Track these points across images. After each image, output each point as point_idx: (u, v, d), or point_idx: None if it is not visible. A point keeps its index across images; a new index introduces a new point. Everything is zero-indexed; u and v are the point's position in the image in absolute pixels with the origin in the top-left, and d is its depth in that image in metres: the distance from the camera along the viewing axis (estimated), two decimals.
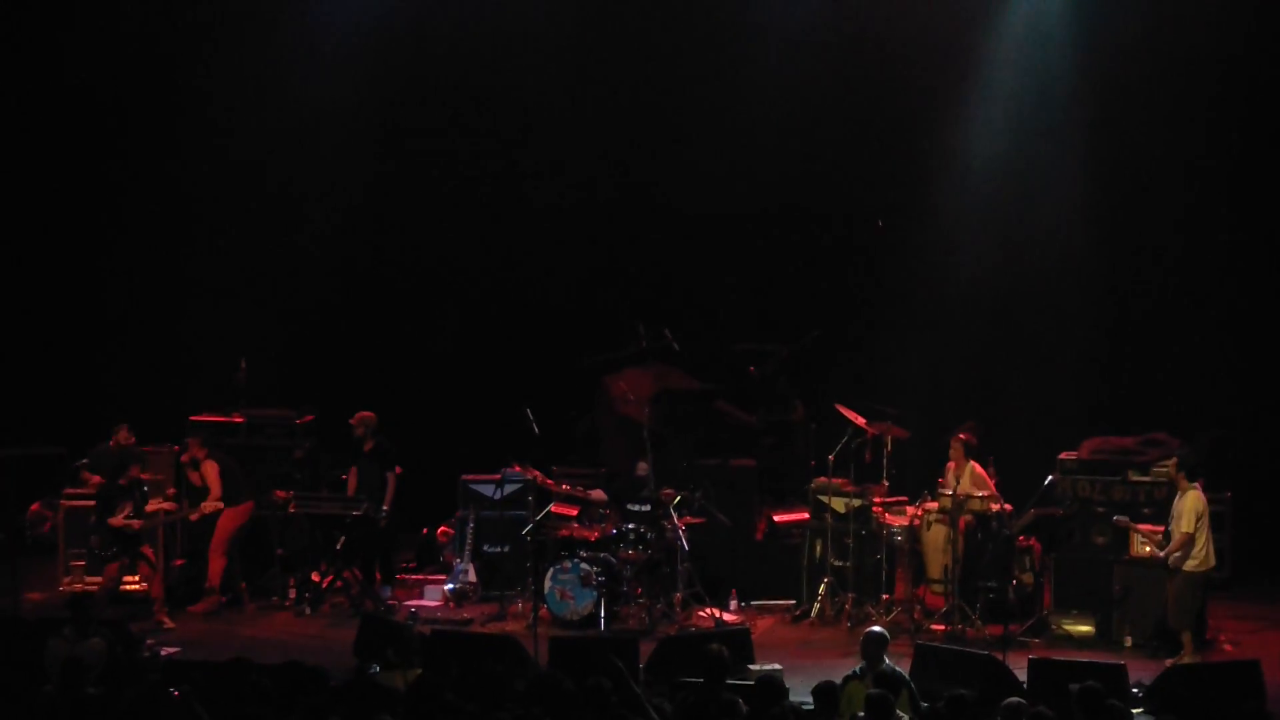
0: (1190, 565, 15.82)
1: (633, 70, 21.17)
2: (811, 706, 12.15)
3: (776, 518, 18.83)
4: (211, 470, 17.66)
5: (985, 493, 17.03)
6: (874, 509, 17.60)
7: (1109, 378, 19.98)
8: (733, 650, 13.46)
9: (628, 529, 17.29)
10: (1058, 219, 20.03)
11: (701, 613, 17.27)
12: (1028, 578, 17.16)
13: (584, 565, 17.05)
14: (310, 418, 19.13)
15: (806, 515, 18.15)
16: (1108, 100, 19.81)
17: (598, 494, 18.43)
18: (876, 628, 13.70)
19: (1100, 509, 17.16)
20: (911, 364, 19.79)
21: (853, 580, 17.48)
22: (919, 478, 17.70)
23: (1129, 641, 16.49)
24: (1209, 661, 15.65)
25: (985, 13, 20.20)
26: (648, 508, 17.46)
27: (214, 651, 15.25)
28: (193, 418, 18.53)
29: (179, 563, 18.36)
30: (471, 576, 18.12)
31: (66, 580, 17.97)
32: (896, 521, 17.57)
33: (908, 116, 20.37)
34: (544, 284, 21.59)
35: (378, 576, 18.11)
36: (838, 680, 12.64)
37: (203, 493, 17.68)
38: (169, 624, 17.00)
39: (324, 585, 18.07)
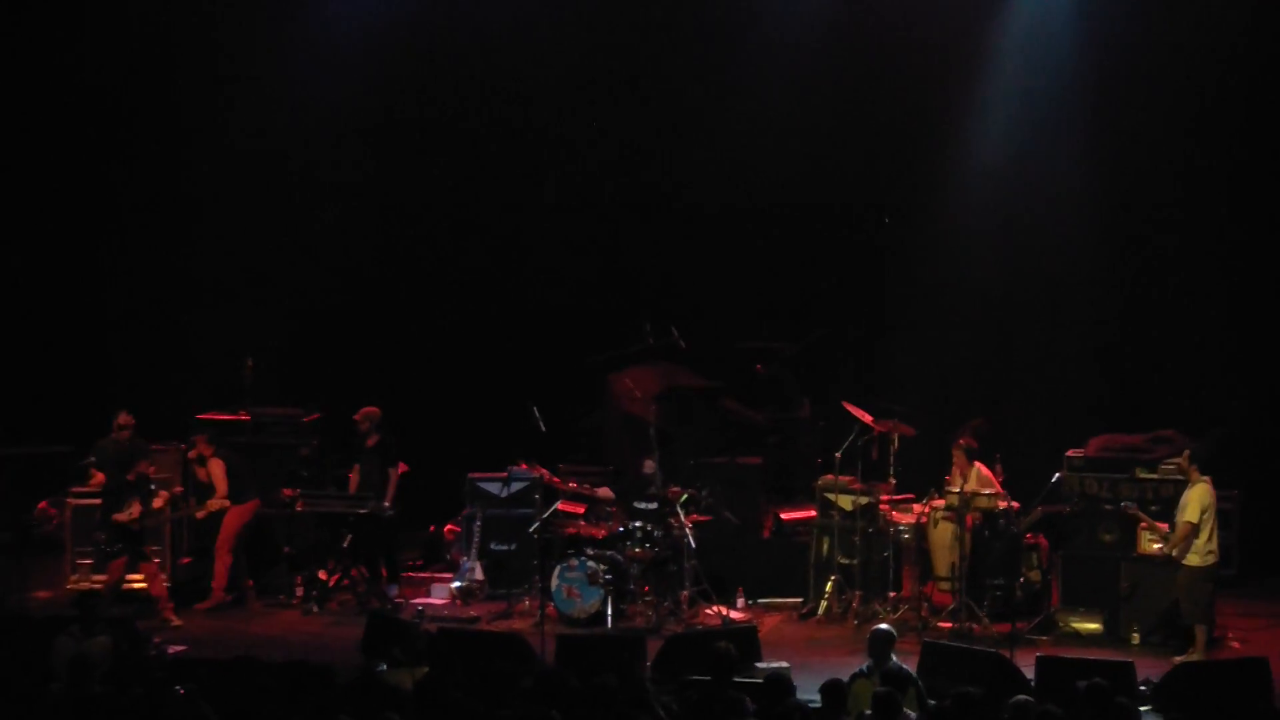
0: (1194, 559, 15.81)
1: (640, 68, 21.16)
2: (819, 704, 12.13)
3: (783, 515, 18.82)
4: (218, 468, 17.67)
5: (992, 490, 17.02)
6: (881, 506, 17.59)
7: (1116, 375, 19.95)
8: (740, 648, 13.44)
9: (634, 527, 17.29)
10: (1065, 217, 20.00)
11: (708, 610, 17.26)
12: (1035, 575, 17.15)
13: (591, 563, 17.04)
14: (317, 416, 19.14)
15: (813, 513, 18.13)
16: (1114, 98, 19.77)
17: (604, 492, 18.42)
18: (883, 625, 13.72)
19: (1108, 506, 17.13)
20: (918, 361, 19.78)
21: (860, 578, 17.46)
22: (926, 475, 17.67)
23: (1136, 639, 16.49)
24: (1217, 659, 15.62)
25: (992, 11, 20.18)
26: (654, 506, 17.46)
27: (220, 650, 15.27)
28: (199, 415, 18.55)
29: (185, 561, 18.36)
30: (478, 574, 18.10)
31: (73, 578, 17.98)
32: (903, 519, 17.57)
33: (915, 115, 20.35)
34: (551, 281, 21.58)
35: (384, 574, 18.12)
36: (845, 678, 12.62)
37: (209, 490, 17.70)
38: (175, 622, 17.00)
39: (330, 583, 18.08)
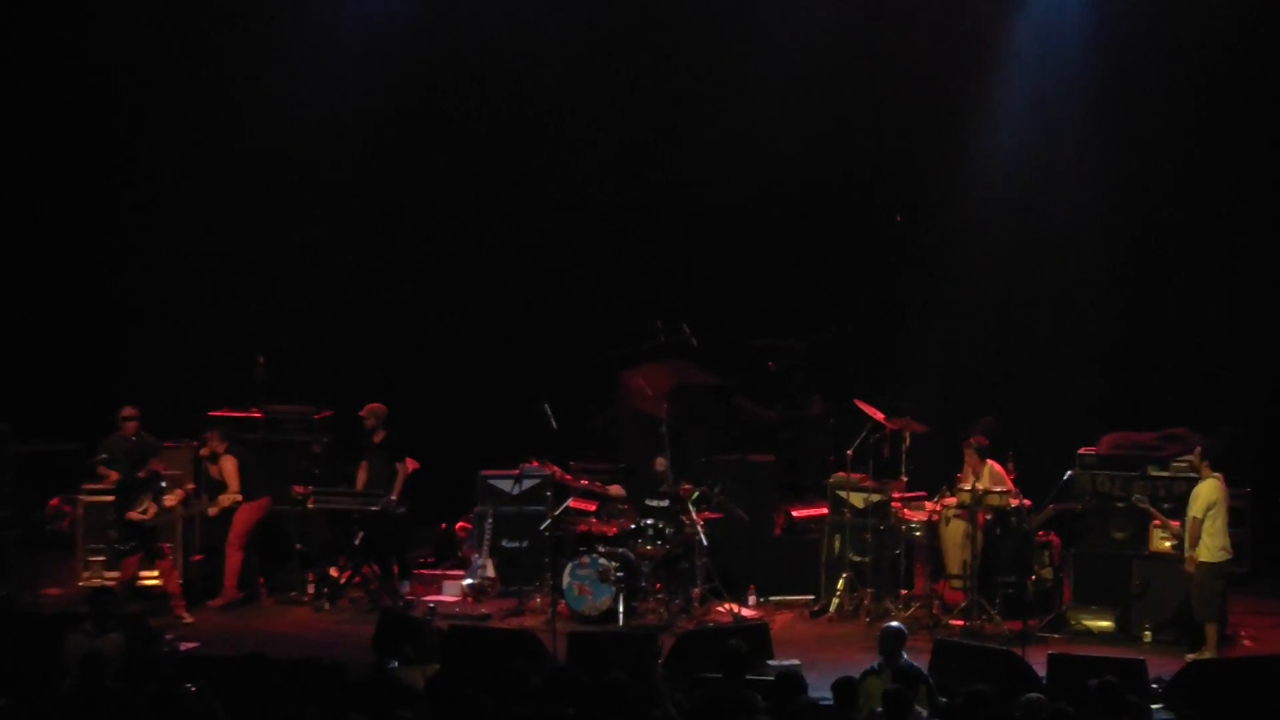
0: (1204, 555, 15.79)
1: (650, 63, 21.15)
2: (830, 702, 12.12)
3: (795, 513, 18.80)
4: (230, 465, 17.69)
5: (1004, 488, 17.00)
6: (892, 504, 17.58)
7: (1128, 373, 19.92)
8: (751, 645, 13.44)
9: (646, 524, 17.29)
10: (1076, 214, 19.98)
11: (720, 608, 17.26)
12: (1046, 573, 17.14)
13: (602, 560, 17.05)
14: (328, 413, 19.13)
15: (825, 510, 18.12)
16: (1125, 95, 19.75)
17: (616, 489, 18.43)
18: (895, 623, 13.70)
19: (1119, 504, 17.11)
20: (930, 359, 19.76)
21: (871, 575, 17.46)
22: (938, 473, 17.65)
23: (1148, 637, 16.48)
24: (1229, 657, 15.61)
25: (1005, 8, 20.17)
26: (666, 503, 17.46)
27: (232, 647, 15.29)
28: (211, 413, 18.54)
29: (197, 558, 18.37)
30: (490, 572, 18.11)
31: (85, 575, 17.98)
32: (915, 517, 17.55)
33: (927, 111, 20.34)
34: (562, 279, 21.58)
35: (395, 571, 18.13)
36: (856, 676, 12.63)
37: (221, 487, 17.71)
38: (187, 619, 17.02)
39: (342, 580, 18.09)
